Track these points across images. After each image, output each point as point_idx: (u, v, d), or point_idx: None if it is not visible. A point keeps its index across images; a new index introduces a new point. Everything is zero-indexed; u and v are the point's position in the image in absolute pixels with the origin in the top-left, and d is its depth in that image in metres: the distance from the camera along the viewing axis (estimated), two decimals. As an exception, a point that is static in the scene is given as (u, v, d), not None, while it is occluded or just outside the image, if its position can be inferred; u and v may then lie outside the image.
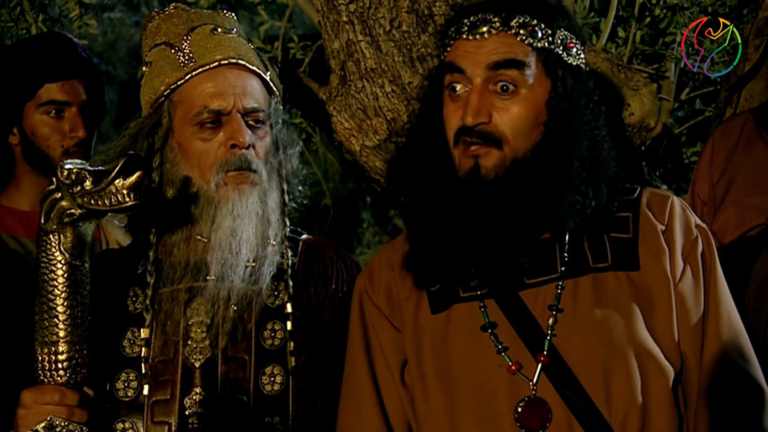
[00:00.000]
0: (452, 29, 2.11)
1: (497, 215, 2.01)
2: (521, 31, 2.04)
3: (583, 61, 2.13)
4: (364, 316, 2.20)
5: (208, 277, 2.25)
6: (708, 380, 2.00)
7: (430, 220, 2.07)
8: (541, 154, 2.03)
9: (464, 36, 2.07)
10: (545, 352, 1.99)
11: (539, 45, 2.05)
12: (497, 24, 2.05)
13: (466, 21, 2.08)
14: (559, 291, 2.04)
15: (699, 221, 2.12)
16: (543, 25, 2.06)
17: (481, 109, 2.02)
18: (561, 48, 2.08)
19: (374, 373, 2.16)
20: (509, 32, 2.04)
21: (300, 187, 2.45)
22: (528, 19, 2.05)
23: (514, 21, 2.05)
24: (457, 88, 2.06)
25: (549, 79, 2.06)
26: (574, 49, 2.10)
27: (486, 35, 2.04)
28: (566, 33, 2.09)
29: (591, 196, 2.04)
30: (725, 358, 2.01)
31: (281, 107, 2.42)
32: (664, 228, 2.07)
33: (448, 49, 2.11)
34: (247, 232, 2.26)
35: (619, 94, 2.80)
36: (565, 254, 2.06)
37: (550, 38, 2.06)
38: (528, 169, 2.02)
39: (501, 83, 2.03)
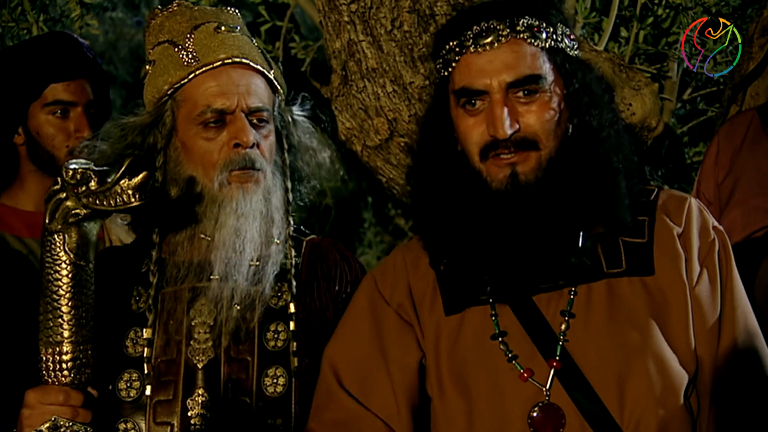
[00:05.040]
0: (453, 43, 2.05)
1: (543, 218, 1.97)
2: (528, 35, 2.01)
3: (578, 49, 2.12)
4: (374, 300, 2.17)
5: (211, 277, 2.25)
6: (723, 383, 1.99)
7: (462, 236, 2.03)
8: (574, 150, 2.01)
9: (471, 50, 2.02)
10: (557, 358, 1.97)
11: (546, 45, 2.02)
12: (505, 31, 2.00)
13: (468, 33, 2.03)
14: (571, 297, 2.02)
15: (716, 223, 2.10)
16: (545, 24, 2.03)
17: (510, 119, 1.98)
18: (563, 42, 2.06)
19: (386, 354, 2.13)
20: (517, 38, 2.01)
21: (315, 182, 2.45)
22: (531, 20, 2.02)
23: (520, 25, 2.01)
24: (476, 104, 2.02)
25: (561, 75, 2.04)
26: (571, 40, 2.08)
27: (495, 44, 2.00)
28: (563, 26, 2.07)
29: (630, 186, 2.03)
30: (741, 361, 1.99)
31: (292, 105, 2.43)
32: (680, 231, 2.05)
33: (453, 65, 2.05)
34: (251, 231, 2.26)
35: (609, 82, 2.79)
36: (579, 258, 2.01)
37: (554, 35, 2.04)
38: (566, 167, 1.99)
39: (522, 90, 2.00)
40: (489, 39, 2.00)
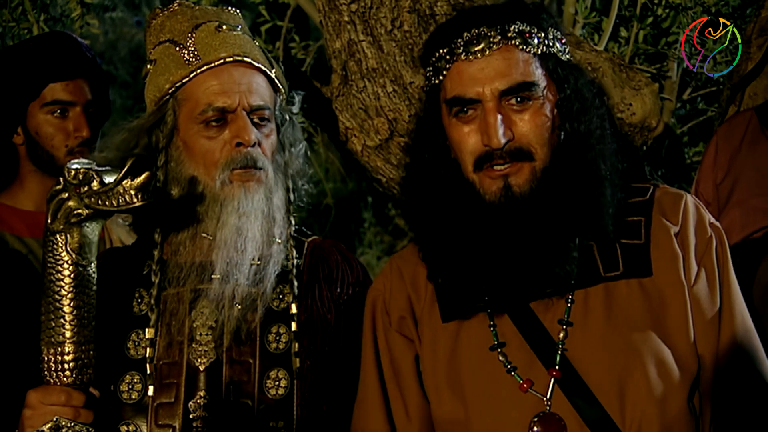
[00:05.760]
0: (443, 50, 2.02)
1: (536, 229, 1.95)
2: (519, 41, 1.98)
3: (570, 53, 2.10)
4: (376, 328, 2.17)
5: (213, 276, 2.24)
6: (721, 380, 1.98)
7: (458, 247, 2.01)
8: (565, 158, 1.99)
9: (462, 57, 1.99)
10: (557, 367, 1.96)
11: (538, 51, 2.00)
12: (496, 38, 1.98)
13: (459, 40, 2.00)
14: (569, 305, 2.00)
15: (713, 219, 2.08)
16: (536, 29, 2.01)
17: (504, 127, 1.95)
18: (555, 47, 2.03)
19: (383, 382, 2.14)
20: (509, 44, 1.98)
21: (306, 186, 2.44)
22: (522, 26, 1.99)
23: (511, 31, 1.98)
24: (468, 112, 2.00)
25: (553, 81, 2.02)
26: (563, 44, 2.06)
27: (487, 52, 1.97)
28: (554, 30, 2.05)
29: (616, 195, 2.01)
30: (738, 359, 1.99)
31: (292, 105, 2.42)
32: (677, 230, 2.03)
33: (444, 73, 2.03)
34: (252, 230, 2.25)
35: (601, 85, 2.77)
36: (563, 269, 1.99)
37: (546, 40, 2.01)
38: (558, 176, 1.97)
39: (515, 98, 1.98)
40: (480, 46, 1.98)
